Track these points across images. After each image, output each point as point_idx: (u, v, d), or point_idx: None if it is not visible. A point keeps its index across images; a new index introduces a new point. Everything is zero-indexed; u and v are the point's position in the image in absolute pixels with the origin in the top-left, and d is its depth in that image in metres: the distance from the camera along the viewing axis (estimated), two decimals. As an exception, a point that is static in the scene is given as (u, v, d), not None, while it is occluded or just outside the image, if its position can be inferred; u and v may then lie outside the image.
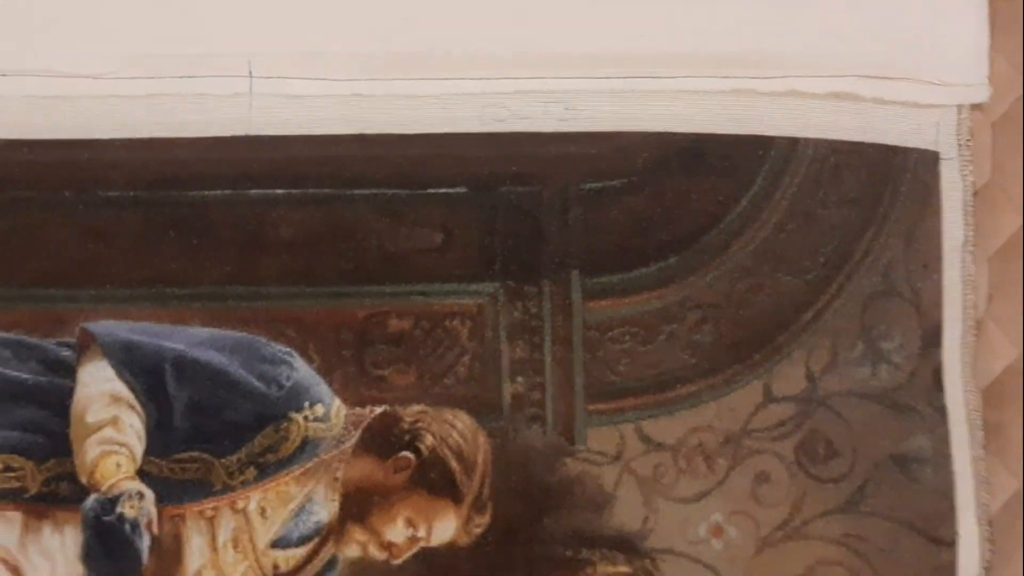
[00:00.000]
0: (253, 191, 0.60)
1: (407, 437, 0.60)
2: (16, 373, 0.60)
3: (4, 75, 0.60)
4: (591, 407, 0.60)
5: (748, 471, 0.60)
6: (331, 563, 0.60)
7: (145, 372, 0.60)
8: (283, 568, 0.59)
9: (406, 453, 0.60)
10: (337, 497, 0.60)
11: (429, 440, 0.60)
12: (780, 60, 0.61)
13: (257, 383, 0.60)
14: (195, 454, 0.59)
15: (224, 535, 0.58)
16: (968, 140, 0.61)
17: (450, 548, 0.60)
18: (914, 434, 0.60)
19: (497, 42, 0.61)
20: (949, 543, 0.60)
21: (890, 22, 0.60)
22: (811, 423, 0.60)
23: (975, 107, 0.62)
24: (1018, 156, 0.62)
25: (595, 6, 0.61)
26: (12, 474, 0.58)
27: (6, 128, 0.58)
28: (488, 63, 0.61)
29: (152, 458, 0.60)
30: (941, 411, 0.60)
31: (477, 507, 0.60)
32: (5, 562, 0.58)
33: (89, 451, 0.59)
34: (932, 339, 0.60)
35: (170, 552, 0.59)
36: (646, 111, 0.61)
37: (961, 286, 0.61)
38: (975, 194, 0.62)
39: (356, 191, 0.60)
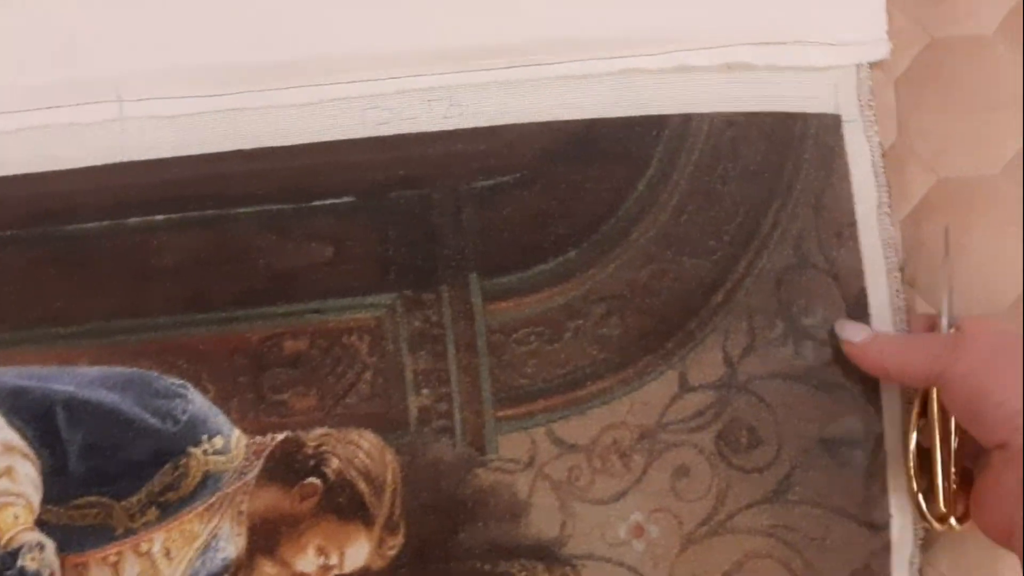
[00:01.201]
0: (132, 219, 0.59)
1: (312, 462, 0.58)
2: (-100, 428, 0.57)
3: None
4: (500, 413, 0.57)
5: (667, 466, 0.58)
6: (241, 600, 0.57)
7: (36, 418, 0.59)
8: (192, 609, 0.57)
9: (312, 479, 0.58)
10: (243, 531, 0.58)
11: (335, 463, 0.58)
12: (666, 35, 0.59)
13: (152, 419, 0.58)
14: (94, 498, 0.58)
15: (130, 580, 0.56)
16: (870, 100, 0.59)
17: (364, 573, 0.57)
18: (844, 415, 0.58)
19: (375, 41, 0.60)
20: (883, 526, 0.57)
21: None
22: (731, 411, 0.58)
23: (875, 65, 0.60)
24: (924, 113, 0.59)
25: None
26: (-97, 534, 0.56)
27: None
28: (367, 64, 0.60)
29: (50, 506, 0.59)
30: (874, 385, 0.57)
31: (389, 528, 0.57)
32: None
33: None
34: (857, 309, 0.59)
35: (76, 602, 0.56)
36: (533, 101, 0.59)
37: (882, 249, 0.58)
38: (884, 155, 0.59)
39: (239, 209, 0.59)
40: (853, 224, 0.60)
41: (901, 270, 0.60)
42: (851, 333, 0.58)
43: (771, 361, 0.59)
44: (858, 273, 0.60)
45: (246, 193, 0.60)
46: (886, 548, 0.59)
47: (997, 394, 0.51)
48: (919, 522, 0.59)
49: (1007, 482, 0.51)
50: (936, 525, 0.57)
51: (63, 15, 0.61)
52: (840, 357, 0.59)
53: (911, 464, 0.58)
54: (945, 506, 0.57)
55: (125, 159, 0.61)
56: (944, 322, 0.57)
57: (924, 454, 0.59)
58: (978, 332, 0.54)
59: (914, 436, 0.59)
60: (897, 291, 0.60)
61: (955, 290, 0.59)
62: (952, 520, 0.57)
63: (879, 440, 0.59)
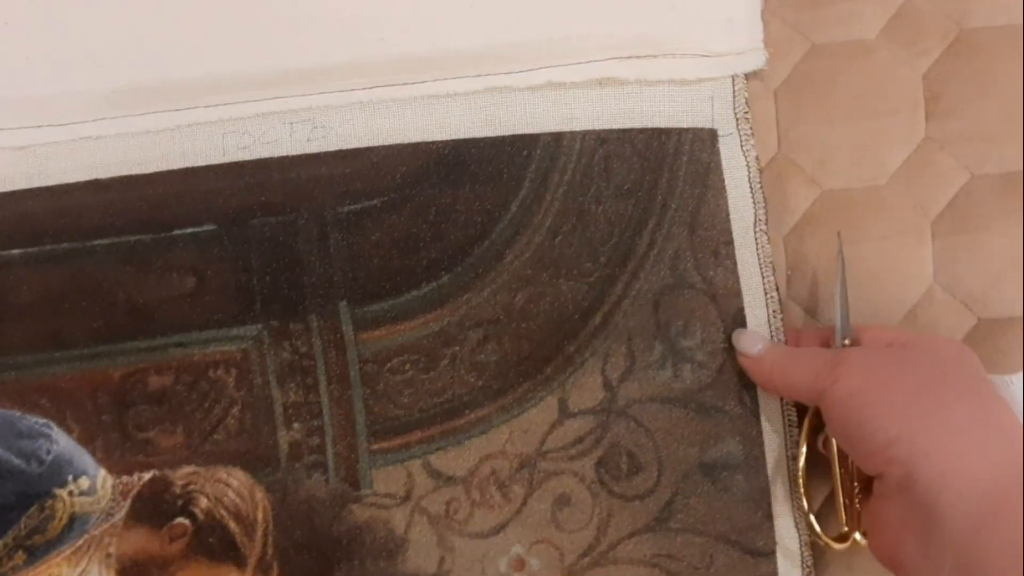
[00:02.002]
0: None
1: (180, 502, 0.57)
2: None
3: None
4: (375, 446, 0.56)
5: (547, 496, 0.57)
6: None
7: None
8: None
9: (181, 520, 0.57)
10: (113, 574, 0.57)
11: (204, 503, 0.56)
12: (533, 51, 0.58)
13: (16, 460, 0.57)
14: None
15: (-4, 626, 0.55)
16: (747, 112, 0.58)
17: (238, 616, 0.56)
18: (723, 438, 0.57)
19: (233, 63, 0.58)
20: (768, 553, 0.56)
21: (646, -5, 0.56)
22: (611, 436, 0.57)
23: (752, 76, 0.58)
24: (805, 124, 0.58)
25: (329, 14, 0.57)
26: None
27: None
28: (226, 87, 0.58)
29: None
30: (753, 408, 0.57)
31: (262, 568, 0.56)
32: None
33: None
34: (735, 329, 0.56)
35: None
36: (398, 122, 0.58)
37: (759, 268, 0.57)
38: (761, 170, 0.57)
39: (96, 242, 0.57)
40: (730, 242, 0.59)
41: (777, 290, 0.59)
42: (746, 345, 0.57)
43: (650, 385, 0.58)
44: (736, 293, 0.59)
45: (103, 224, 0.59)
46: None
47: (873, 422, 0.50)
48: (807, 548, 0.58)
49: (886, 512, 0.50)
50: (835, 546, 0.56)
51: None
52: (719, 380, 0.58)
53: (800, 485, 0.57)
54: (848, 523, 0.56)
55: (-26, 192, 0.58)
56: (838, 336, 0.56)
57: (824, 468, 0.57)
58: (858, 354, 0.52)
59: (803, 453, 0.58)
60: (775, 312, 0.59)
61: (848, 301, 0.57)
62: (857, 535, 0.56)
63: (760, 464, 0.58)
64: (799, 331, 0.60)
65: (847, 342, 0.57)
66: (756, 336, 0.58)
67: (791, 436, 0.60)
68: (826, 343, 0.58)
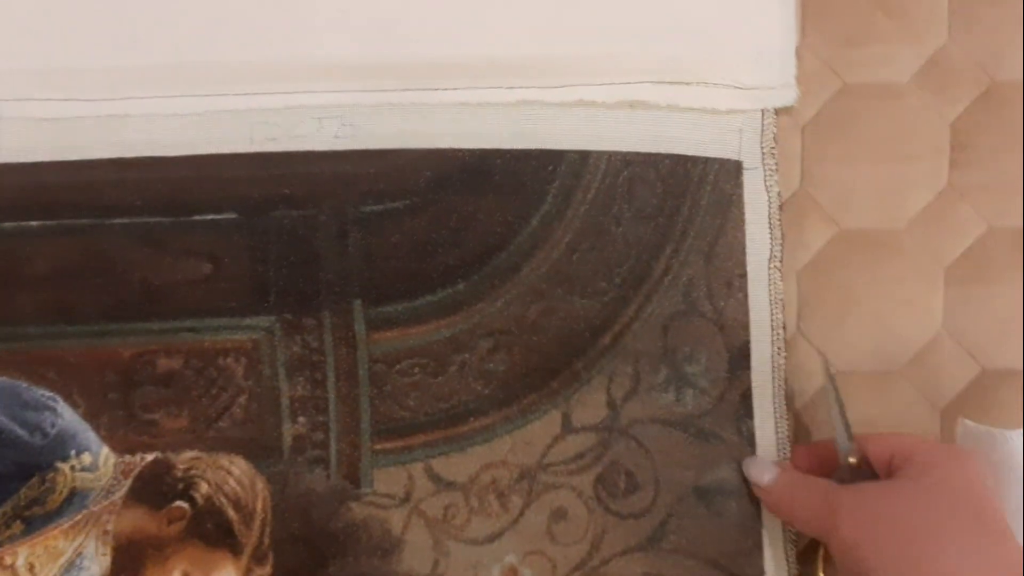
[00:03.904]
0: (5, 223, 0.57)
1: (180, 485, 0.59)
2: None
3: None
4: (378, 446, 0.58)
5: (544, 508, 0.59)
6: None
7: None
8: (52, 626, 0.58)
9: (180, 503, 0.58)
10: (109, 551, 0.59)
11: (204, 488, 0.58)
12: (566, 67, 0.59)
13: (19, 431, 0.58)
14: None
15: (-9, 593, 0.57)
16: (773, 148, 0.59)
17: (230, 602, 0.57)
18: (719, 464, 0.59)
19: (267, 53, 0.59)
20: (755, 581, 0.59)
21: (683, 20, 0.58)
22: (612, 454, 0.58)
23: (781, 110, 0.59)
24: (829, 162, 0.59)
25: (366, 13, 0.57)
26: None
27: None
28: (258, 77, 0.59)
29: None
30: (749, 439, 0.59)
31: (257, 558, 0.58)
32: None
33: None
34: (740, 361, 0.59)
35: (-67, 613, 0.59)
36: (427, 126, 0.59)
37: (768, 305, 0.58)
38: (782, 206, 0.59)
39: (115, 220, 0.58)
40: (744, 275, 0.60)
41: (784, 328, 0.60)
42: (756, 474, 0.59)
43: (653, 406, 0.60)
44: (744, 326, 0.61)
45: (123, 203, 0.60)
46: (757, 603, 0.61)
47: (873, 566, 0.51)
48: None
49: None
50: None
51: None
52: (719, 407, 0.61)
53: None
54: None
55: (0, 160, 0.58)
56: (841, 455, 0.57)
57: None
58: (853, 501, 0.55)
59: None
60: (779, 349, 0.61)
61: (847, 345, 0.59)
62: None
63: (752, 493, 0.60)
64: (807, 448, 0.61)
65: (852, 460, 0.58)
66: (765, 465, 0.60)
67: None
68: (811, 461, 0.59)
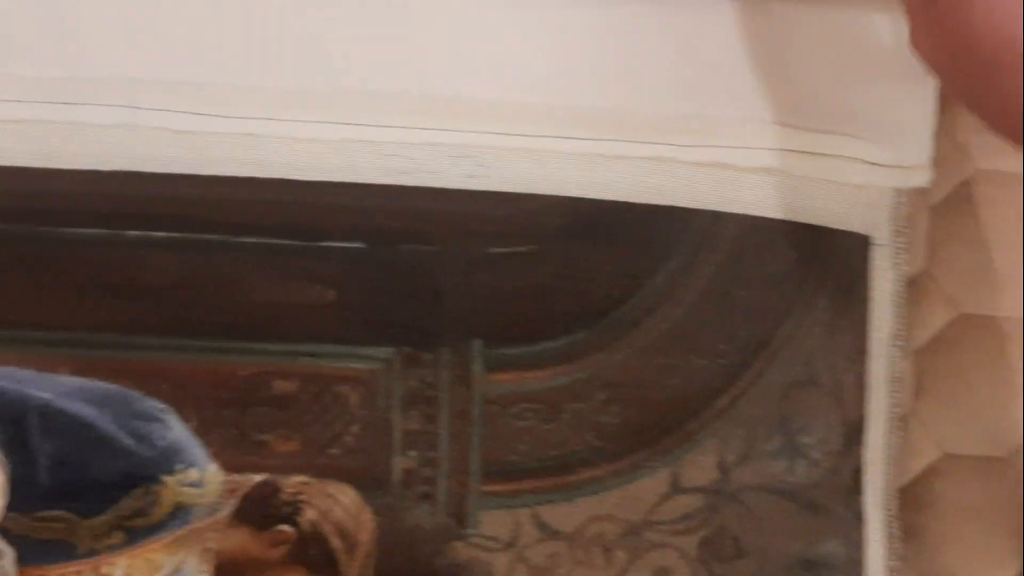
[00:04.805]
0: (132, 232, 0.58)
1: (287, 509, 0.59)
2: None
3: None
4: (486, 488, 0.58)
5: (648, 566, 0.59)
6: (197, 640, 0.59)
7: (7, 421, 0.60)
8: (146, 641, 0.58)
9: (285, 527, 0.58)
10: (209, 569, 0.59)
11: (310, 514, 0.58)
12: (707, 128, 0.59)
13: (128, 440, 0.58)
14: (59, 513, 0.60)
15: (85, 601, 0.57)
16: (904, 226, 0.60)
17: (326, 631, 0.58)
18: (827, 538, 0.59)
19: (408, 88, 0.59)
20: (855, 659, 0.59)
21: (827, 95, 0.57)
22: (719, 518, 0.59)
23: (914, 190, 0.59)
24: (955, 244, 0.60)
25: (511, 53, 0.58)
26: None
27: None
28: (397, 109, 0.59)
29: (14, 514, 0.60)
30: (858, 514, 0.59)
31: (357, 589, 0.58)
32: None
33: None
34: (854, 436, 0.60)
35: (27, 616, 0.60)
36: (561, 174, 0.59)
37: (886, 383, 0.59)
38: (906, 284, 0.59)
39: (244, 239, 0.58)
40: (864, 351, 0.61)
41: (900, 406, 0.61)
42: None
43: (764, 474, 0.61)
44: (861, 401, 0.62)
45: (253, 222, 0.62)
46: None
47: None
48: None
49: None
50: None
51: (80, 7, 0.59)
52: (830, 480, 0.62)
53: None
54: None
55: (131, 168, 0.60)
56: None
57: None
58: None
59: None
60: (895, 427, 0.61)
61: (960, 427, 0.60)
62: None
63: (859, 570, 0.60)
64: None
65: None
66: None
67: (893, 547, 0.62)
68: None
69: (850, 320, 0.64)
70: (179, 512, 0.62)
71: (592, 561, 0.63)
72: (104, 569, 0.62)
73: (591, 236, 0.63)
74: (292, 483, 0.63)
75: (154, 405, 0.62)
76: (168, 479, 0.62)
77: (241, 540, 0.62)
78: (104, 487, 0.62)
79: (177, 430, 0.63)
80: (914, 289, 0.65)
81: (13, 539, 0.60)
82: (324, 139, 0.63)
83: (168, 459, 0.62)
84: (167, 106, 0.63)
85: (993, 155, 0.65)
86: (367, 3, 0.62)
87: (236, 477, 0.63)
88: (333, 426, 0.63)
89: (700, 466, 0.63)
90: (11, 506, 0.61)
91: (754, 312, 0.63)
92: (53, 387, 0.62)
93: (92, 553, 0.62)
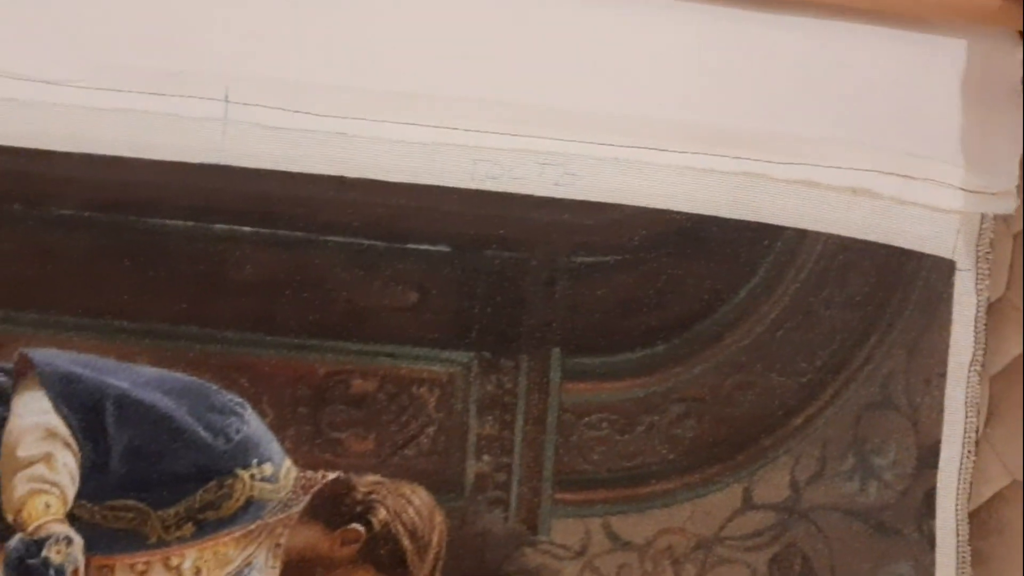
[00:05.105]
0: (218, 225, 0.59)
1: (359, 508, 0.60)
2: (-56, 394, 0.58)
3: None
4: (558, 496, 0.59)
5: (717, 581, 0.59)
6: (265, 634, 0.61)
7: (84, 408, 0.60)
8: (214, 633, 0.58)
9: (356, 525, 0.59)
10: (278, 564, 0.60)
11: (382, 514, 0.59)
12: (796, 146, 0.59)
13: (204, 433, 0.59)
14: (130, 502, 0.60)
15: (154, 592, 0.57)
16: (988, 252, 0.60)
17: (394, 630, 0.58)
18: (897, 560, 0.59)
19: (499, 93, 0.59)
20: None
21: (917, 118, 0.58)
22: (789, 536, 0.59)
23: (999, 217, 0.59)
24: (1037, 272, 0.60)
25: (604, 65, 0.58)
26: (-69, 502, 0.56)
27: (-51, 130, 0.56)
28: (487, 115, 0.59)
29: (84, 502, 0.61)
30: (930, 538, 0.59)
31: (426, 590, 0.58)
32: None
33: (18, 487, 0.60)
34: (928, 459, 0.60)
35: (94, 605, 0.60)
36: (648, 185, 0.60)
37: (964, 407, 0.59)
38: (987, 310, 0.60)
39: (329, 237, 0.59)
40: (943, 375, 0.62)
41: (977, 431, 0.61)
42: None
43: (835, 493, 0.61)
44: (937, 424, 0.62)
45: (340, 222, 0.62)
46: None
47: None
48: None
49: None
50: None
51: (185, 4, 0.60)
52: (902, 502, 0.62)
53: None
54: None
55: (222, 162, 0.60)
56: None
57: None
58: None
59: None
60: (969, 451, 0.61)
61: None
62: None
63: (928, 594, 0.61)
64: None
65: None
66: None
67: (964, 573, 0.62)
68: None
69: (930, 344, 0.64)
70: (251, 506, 0.62)
71: (661, 573, 0.63)
72: (173, 561, 0.62)
73: (676, 249, 0.63)
74: (365, 482, 0.63)
75: (231, 399, 0.63)
76: (242, 473, 0.62)
77: (311, 537, 0.63)
78: (177, 479, 0.62)
79: (253, 424, 0.63)
80: (994, 315, 0.65)
81: (82, 527, 0.60)
82: (413, 141, 0.63)
83: (243, 453, 0.63)
84: (258, 102, 0.63)
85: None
86: (464, 11, 0.63)
87: (310, 474, 0.63)
88: (409, 427, 0.63)
89: (772, 483, 0.63)
90: (82, 494, 0.61)
91: (835, 332, 0.64)
92: (131, 377, 0.62)
93: (162, 544, 0.62)
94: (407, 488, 0.63)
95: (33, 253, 0.61)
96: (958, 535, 0.64)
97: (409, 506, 0.63)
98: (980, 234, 0.64)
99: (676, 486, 0.63)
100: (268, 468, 0.63)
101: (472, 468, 0.63)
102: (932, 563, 0.64)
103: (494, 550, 0.63)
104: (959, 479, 0.64)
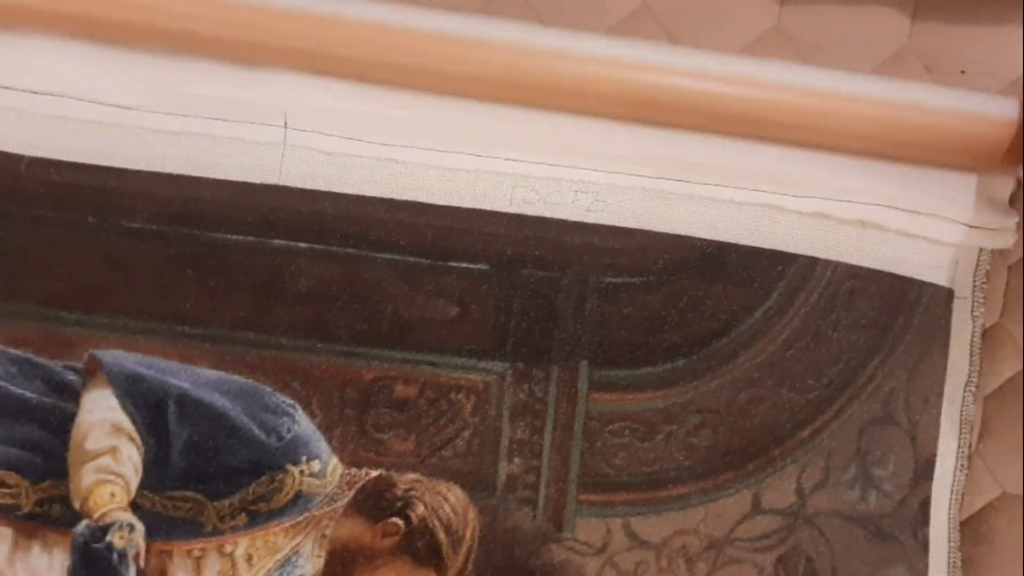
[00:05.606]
0: (276, 240, 0.64)
1: (399, 504, 0.64)
2: (21, 391, 0.65)
3: (35, 93, 0.61)
4: (583, 496, 0.64)
5: (726, 579, 0.64)
6: (309, 617, 0.66)
7: (148, 406, 0.64)
8: (262, 615, 0.63)
9: (396, 519, 0.64)
10: (323, 554, 0.64)
11: (420, 509, 0.64)
12: (811, 180, 0.64)
13: (257, 431, 0.64)
14: (189, 493, 0.64)
15: (209, 576, 0.61)
16: (984, 283, 0.65)
17: (428, 617, 0.63)
18: (893, 563, 0.64)
19: (540, 127, 0.63)
20: None
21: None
22: (795, 539, 0.64)
23: (996, 249, 0.65)
24: (1028, 301, 0.66)
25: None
26: (7, 490, 0.62)
27: (35, 146, 0.60)
28: (525, 145, 0.64)
29: (146, 492, 0.66)
30: (924, 544, 0.64)
31: (458, 581, 0.64)
32: (-7, 576, 0.62)
33: (85, 477, 0.64)
34: (924, 471, 0.65)
35: (154, 586, 0.65)
36: (672, 213, 0.65)
37: (959, 424, 0.64)
38: (982, 335, 0.65)
39: (378, 254, 0.64)
40: (940, 394, 0.67)
41: (970, 447, 0.66)
42: None
43: (838, 500, 0.66)
44: (933, 440, 0.67)
45: (388, 240, 0.67)
46: None
47: None
48: None
49: None
50: None
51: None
52: (899, 511, 0.67)
53: None
54: None
55: (281, 183, 0.65)
56: None
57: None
58: None
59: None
60: (962, 466, 0.66)
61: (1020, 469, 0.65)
62: None
63: (922, 596, 0.66)
64: None
65: None
66: None
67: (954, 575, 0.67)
68: None
69: (929, 365, 0.69)
70: (300, 500, 0.68)
71: (675, 570, 0.68)
72: (227, 548, 0.68)
73: (697, 272, 0.68)
74: (405, 480, 0.68)
75: (284, 400, 0.68)
76: (292, 469, 0.68)
77: (354, 529, 0.68)
78: (232, 472, 0.67)
79: (303, 424, 0.68)
80: (988, 340, 0.70)
81: (144, 515, 0.66)
82: (457, 168, 0.69)
83: (293, 450, 0.68)
84: (314, 128, 0.68)
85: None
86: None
87: (354, 471, 0.68)
88: (447, 430, 0.68)
89: (780, 490, 0.69)
90: (144, 484, 0.66)
91: (841, 352, 0.69)
92: (192, 378, 0.67)
93: (217, 532, 0.67)
94: (444, 486, 0.69)
95: (105, 261, 0.66)
96: (950, 542, 0.69)
97: (445, 503, 0.69)
98: (978, 265, 0.70)
99: (691, 490, 0.69)
100: (316, 465, 0.68)
101: (504, 469, 0.69)
102: (926, 567, 0.69)
103: (522, 545, 0.68)
104: (952, 491, 0.69)
